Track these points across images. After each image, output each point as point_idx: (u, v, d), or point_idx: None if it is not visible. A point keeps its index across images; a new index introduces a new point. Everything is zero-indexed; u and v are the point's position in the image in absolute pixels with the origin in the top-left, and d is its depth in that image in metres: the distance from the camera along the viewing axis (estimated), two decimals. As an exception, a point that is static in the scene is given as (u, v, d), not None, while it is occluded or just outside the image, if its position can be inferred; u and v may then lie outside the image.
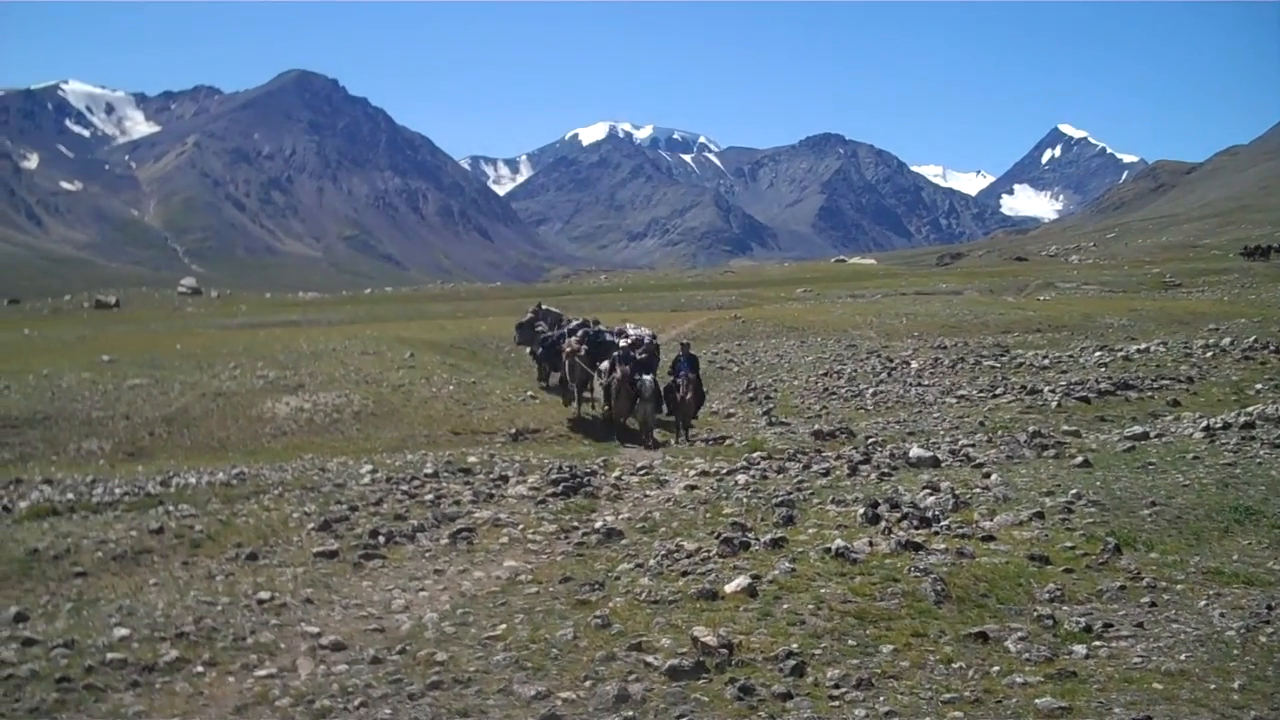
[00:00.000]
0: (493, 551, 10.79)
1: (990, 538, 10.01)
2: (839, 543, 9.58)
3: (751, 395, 23.79)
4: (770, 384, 25.23)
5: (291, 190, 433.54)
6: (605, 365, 20.65)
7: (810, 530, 10.60)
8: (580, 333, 22.57)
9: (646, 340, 22.40)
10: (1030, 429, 16.34)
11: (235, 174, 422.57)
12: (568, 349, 21.85)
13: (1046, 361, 25.23)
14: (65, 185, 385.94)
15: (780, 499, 12.05)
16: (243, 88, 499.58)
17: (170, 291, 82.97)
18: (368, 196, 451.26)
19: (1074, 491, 11.48)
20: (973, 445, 15.59)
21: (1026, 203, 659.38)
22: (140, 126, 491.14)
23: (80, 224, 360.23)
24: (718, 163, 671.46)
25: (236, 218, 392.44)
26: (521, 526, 11.69)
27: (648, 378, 19.37)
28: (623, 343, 21.81)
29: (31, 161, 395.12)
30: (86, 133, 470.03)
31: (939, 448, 15.39)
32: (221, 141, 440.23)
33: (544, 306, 27.06)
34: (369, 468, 15.09)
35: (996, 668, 7.19)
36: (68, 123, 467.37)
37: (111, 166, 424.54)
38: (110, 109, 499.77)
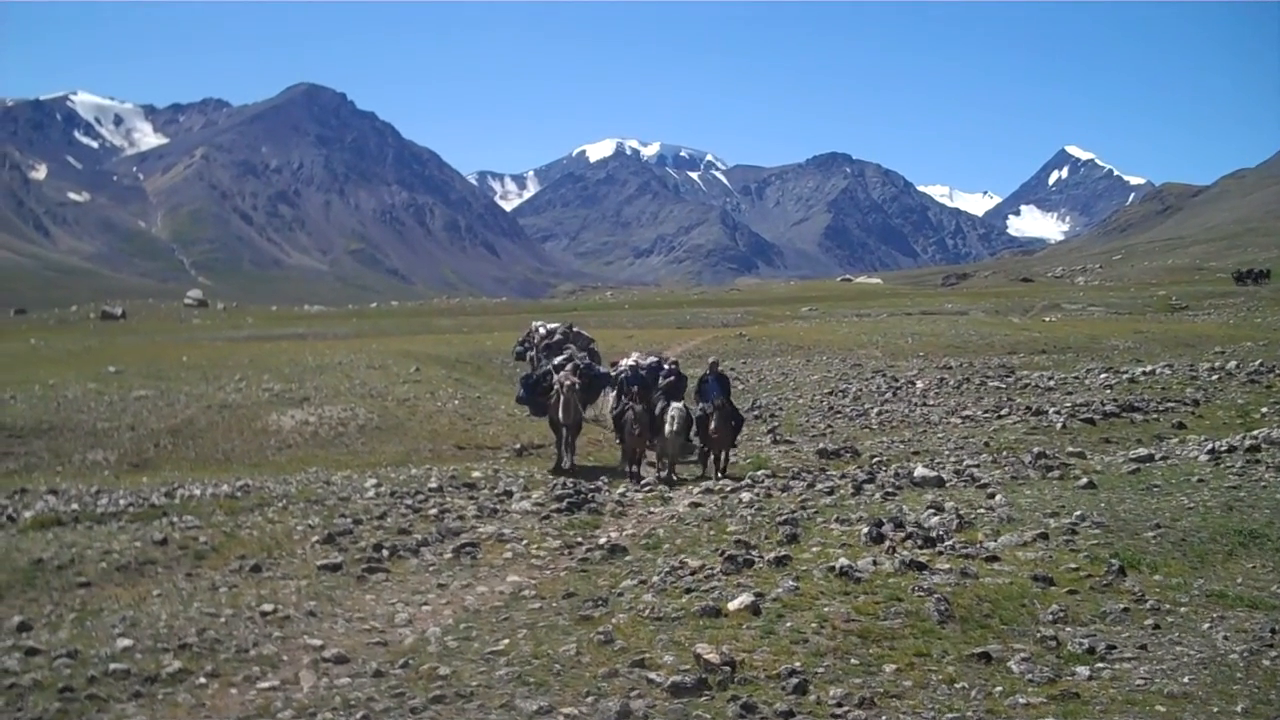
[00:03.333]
0: (496, 566, 10.80)
1: (994, 558, 9.99)
2: (843, 561, 9.58)
3: (756, 413, 23.77)
4: (775, 402, 25.23)
5: (299, 203, 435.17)
6: (612, 395, 18.53)
7: (814, 549, 10.58)
8: (570, 365, 18.93)
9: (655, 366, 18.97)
10: (1035, 450, 16.33)
11: (243, 187, 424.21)
12: (558, 384, 18.12)
13: (1052, 383, 25.21)
14: (73, 196, 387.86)
15: (784, 517, 12.04)
16: (251, 101, 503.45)
17: (176, 303, 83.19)
18: (375, 210, 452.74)
19: (1078, 513, 11.45)
20: (977, 466, 15.57)
21: (1033, 224, 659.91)
22: (148, 138, 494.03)
23: (87, 235, 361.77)
24: (724, 180, 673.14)
25: (243, 230, 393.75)
26: (525, 542, 11.71)
27: (677, 405, 16.96)
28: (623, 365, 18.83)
29: (40, 172, 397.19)
30: (95, 144, 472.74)
31: (944, 468, 15.37)
32: (229, 154, 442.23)
33: (574, 328, 22.58)
34: (373, 481, 15.11)
35: (999, 688, 7.17)
36: (76, 134, 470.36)
37: (119, 178, 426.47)
38: (119, 120, 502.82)
